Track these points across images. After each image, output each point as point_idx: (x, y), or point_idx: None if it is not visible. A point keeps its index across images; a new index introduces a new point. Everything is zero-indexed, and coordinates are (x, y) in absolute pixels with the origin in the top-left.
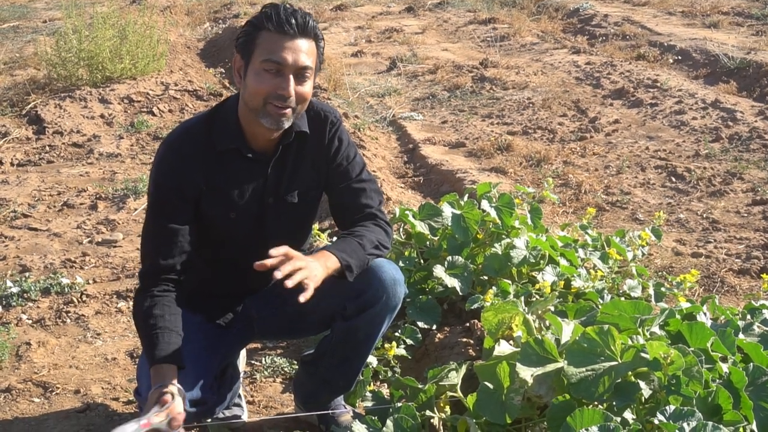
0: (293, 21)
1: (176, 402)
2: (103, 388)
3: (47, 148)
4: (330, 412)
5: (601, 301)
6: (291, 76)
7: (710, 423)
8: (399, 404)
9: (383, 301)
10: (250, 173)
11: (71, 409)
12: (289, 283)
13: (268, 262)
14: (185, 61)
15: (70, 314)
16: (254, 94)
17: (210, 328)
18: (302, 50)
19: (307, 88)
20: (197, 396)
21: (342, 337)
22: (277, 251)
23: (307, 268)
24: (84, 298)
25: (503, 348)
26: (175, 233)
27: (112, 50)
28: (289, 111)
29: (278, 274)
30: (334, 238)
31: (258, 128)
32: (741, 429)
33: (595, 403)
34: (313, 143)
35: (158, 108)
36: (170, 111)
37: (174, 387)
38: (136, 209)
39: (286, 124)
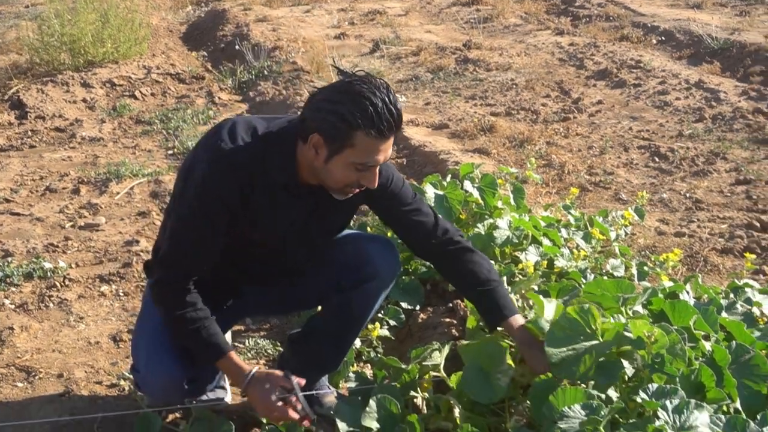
0: (393, 123)
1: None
2: (86, 371)
3: (29, 132)
4: (314, 392)
5: (584, 281)
6: (377, 169)
7: (693, 401)
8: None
9: (381, 277)
10: (289, 201)
11: (54, 393)
12: None
13: None
14: (167, 44)
15: (52, 298)
16: (338, 181)
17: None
18: (392, 145)
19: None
20: (201, 375)
21: (335, 313)
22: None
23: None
24: (67, 282)
25: None
26: (212, 246)
27: (94, 34)
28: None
29: None
30: None
31: (316, 180)
32: (724, 407)
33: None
34: None
35: (140, 92)
36: (153, 95)
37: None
38: (118, 193)
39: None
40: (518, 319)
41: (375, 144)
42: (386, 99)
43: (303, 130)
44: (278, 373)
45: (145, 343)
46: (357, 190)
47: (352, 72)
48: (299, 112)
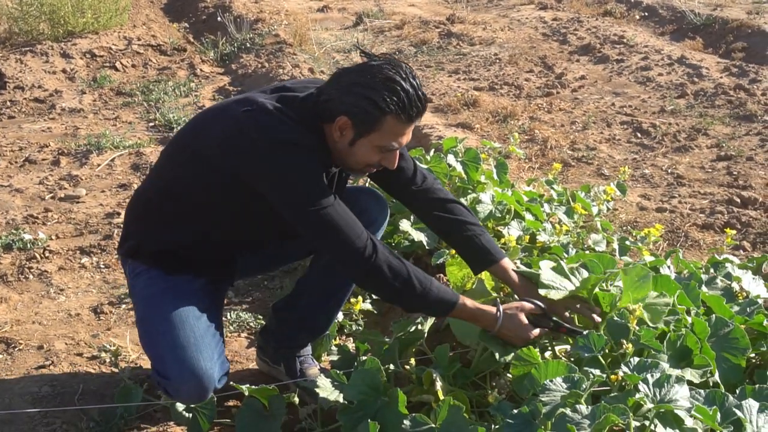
0: (421, 108)
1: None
2: (66, 343)
3: (8, 103)
4: (297, 364)
5: (566, 255)
6: (398, 152)
7: (674, 374)
8: (364, 358)
9: (377, 223)
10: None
11: (34, 365)
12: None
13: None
14: (148, 15)
15: (32, 270)
16: (359, 162)
17: (209, 290)
18: (413, 128)
19: None
20: (227, 367)
21: (326, 269)
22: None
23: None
24: (47, 254)
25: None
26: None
27: (74, 4)
28: None
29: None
30: None
31: (336, 158)
32: (705, 376)
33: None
34: None
35: (121, 63)
36: (133, 66)
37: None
38: (99, 165)
39: None
40: (509, 263)
41: (402, 128)
42: (414, 84)
43: (328, 110)
44: (524, 304)
45: (171, 351)
46: (374, 170)
47: (375, 55)
48: (281, 81)
